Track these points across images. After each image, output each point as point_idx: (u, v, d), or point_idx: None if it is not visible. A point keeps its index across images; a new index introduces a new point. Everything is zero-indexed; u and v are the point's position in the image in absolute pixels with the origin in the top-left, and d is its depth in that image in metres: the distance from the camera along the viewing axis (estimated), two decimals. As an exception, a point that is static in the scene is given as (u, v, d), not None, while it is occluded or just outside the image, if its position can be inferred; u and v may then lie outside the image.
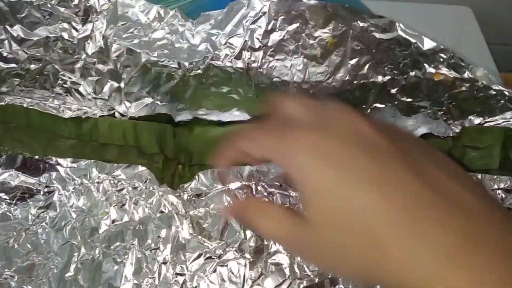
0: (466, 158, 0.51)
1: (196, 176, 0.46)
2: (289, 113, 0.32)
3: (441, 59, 0.44)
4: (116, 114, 0.51)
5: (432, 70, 0.45)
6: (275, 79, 0.47)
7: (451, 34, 0.66)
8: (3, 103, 0.48)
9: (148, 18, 0.46)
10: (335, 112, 0.31)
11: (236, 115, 0.53)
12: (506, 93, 0.45)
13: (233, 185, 0.45)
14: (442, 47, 0.43)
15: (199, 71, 0.46)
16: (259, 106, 0.52)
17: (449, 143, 0.52)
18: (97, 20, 0.45)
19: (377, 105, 0.52)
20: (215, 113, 0.53)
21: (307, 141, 0.28)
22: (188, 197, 0.44)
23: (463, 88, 0.47)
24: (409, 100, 0.51)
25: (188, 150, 0.51)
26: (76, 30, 0.45)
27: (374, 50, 0.46)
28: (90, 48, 0.46)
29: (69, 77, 0.48)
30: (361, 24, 0.44)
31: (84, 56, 0.46)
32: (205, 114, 0.53)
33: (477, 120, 0.52)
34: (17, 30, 0.43)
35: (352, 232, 0.26)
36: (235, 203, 0.39)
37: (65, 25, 0.44)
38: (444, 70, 0.45)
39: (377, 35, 0.44)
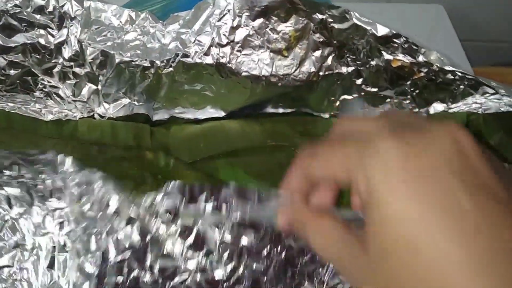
0: None
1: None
2: (357, 129, 0.25)
3: (396, 45, 0.47)
4: (96, 116, 0.53)
5: (390, 57, 0.48)
6: (244, 74, 0.49)
7: (423, 31, 0.69)
8: (-15, 109, 0.50)
9: (120, 22, 0.48)
10: (430, 121, 0.23)
11: (211, 112, 0.55)
12: (458, 73, 0.48)
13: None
14: (394, 32, 0.46)
15: (171, 68, 0.49)
16: (232, 101, 0.54)
17: None
18: (71, 26, 0.47)
19: (345, 97, 0.55)
20: (191, 111, 0.55)
21: (392, 152, 0.21)
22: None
23: (422, 74, 0.49)
24: (374, 90, 0.53)
25: (165, 147, 0.53)
26: (52, 35, 0.47)
27: (335, 41, 0.48)
28: (67, 52, 0.48)
29: (48, 81, 0.50)
30: (320, 16, 0.47)
31: (61, 60, 0.49)
32: (181, 113, 0.55)
33: (441, 107, 0.54)
34: (-5, 38, 0.46)
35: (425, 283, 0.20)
36: (285, 212, 0.32)
37: (42, 31, 0.47)
38: (400, 56, 0.47)
39: (336, 25, 0.47)
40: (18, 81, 0.49)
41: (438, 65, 0.47)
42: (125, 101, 0.53)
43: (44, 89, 0.51)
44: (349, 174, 0.23)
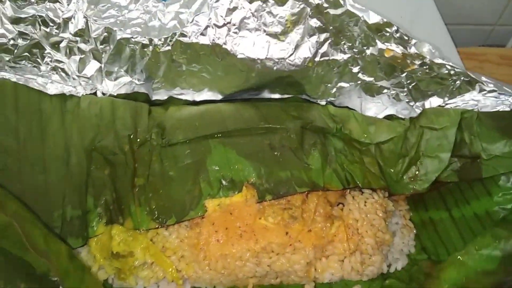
0: (424, 139, 0.52)
1: None
2: None
3: (387, 34, 0.47)
4: (98, 93, 0.55)
5: (383, 47, 0.48)
6: (240, 56, 0.50)
7: (408, 13, 0.65)
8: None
9: (125, 0, 0.50)
10: None
11: (208, 94, 0.56)
12: (450, 67, 0.47)
13: None
14: (385, 20, 0.46)
15: (169, 47, 0.50)
16: (229, 84, 0.55)
17: (406, 124, 0.54)
18: (79, 2, 0.50)
19: (342, 84, 0.55)
20: (190, 93, 0.56)
21: None
22: None
23: (415, 67, 0.49)
24: (370, 79, 0.53)
25: (161, 126, 0.54)
26: (61, 10, 0.50)
27: (331, 27, 0.49)
28: (73, 27, 0.51)
29: (54, 55, 0.52)
30: (316, 1, 0.48)
31: (68, 35, 0.51)
32: (180, 94, 0.56)
33: (438, 102, 0.53)
34: (7, 8, 0.49)
35: None
36: None
37: (51, 5, 0.50)
38: (393, 46, 0.48)
39: (331, 11, 0.48)
40: (26, 53, 0.52)
41: (429, 57, 0.47)
42: (127, 79, 0.54)
43: (50, 63, 0.53)
44: None
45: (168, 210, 0.50)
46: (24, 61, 0.52)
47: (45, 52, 0.52)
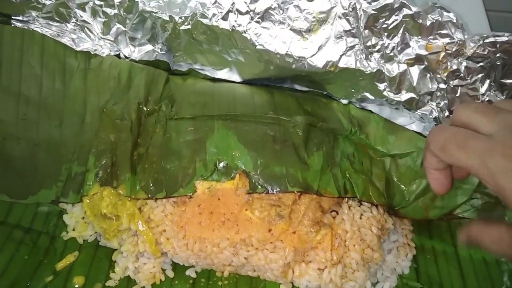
0: None
1: None
2: (466, 122, 0.34)
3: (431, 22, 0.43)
4: (122, 56, 0.55)
5: (423, 43, 0.44)
6: (258, 47, 0.48)
7: None
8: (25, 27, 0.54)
9: (153, -28, 0.48)
10: None
11: (228, 74, 0.55)
12: None
13: None
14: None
15: (189, 26, 0.48)
16: (248, 71, 0.53)
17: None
18: (105, -35, 0.48)
19: (367, 94, 0.51)
20: (210, 69, 0.55)
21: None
22: None
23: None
24: (397, 98, 0.49)
25: (172, 98, 0.53)
26: (87, -29, 0.49)
27: (362, 28, 0.44)
28: (98, -9, 0.50)
29: (81, 16, 0.53)
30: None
31: (93, -3, 0.51)
32: (201, 69, 0.55)
33: None
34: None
35: None
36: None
37: (77, -35, 0.49)
38: (433, 40, 0.44)
39: (365, 6, 0.43)
40: (53, 11, 0.52)
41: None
42: (149, 47, 0.54)
43: (77, 22, 0.53)
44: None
45: (160, 183, 0.49)
46: (52, 17, 0.53)
47: (72, 11, 0.52)
